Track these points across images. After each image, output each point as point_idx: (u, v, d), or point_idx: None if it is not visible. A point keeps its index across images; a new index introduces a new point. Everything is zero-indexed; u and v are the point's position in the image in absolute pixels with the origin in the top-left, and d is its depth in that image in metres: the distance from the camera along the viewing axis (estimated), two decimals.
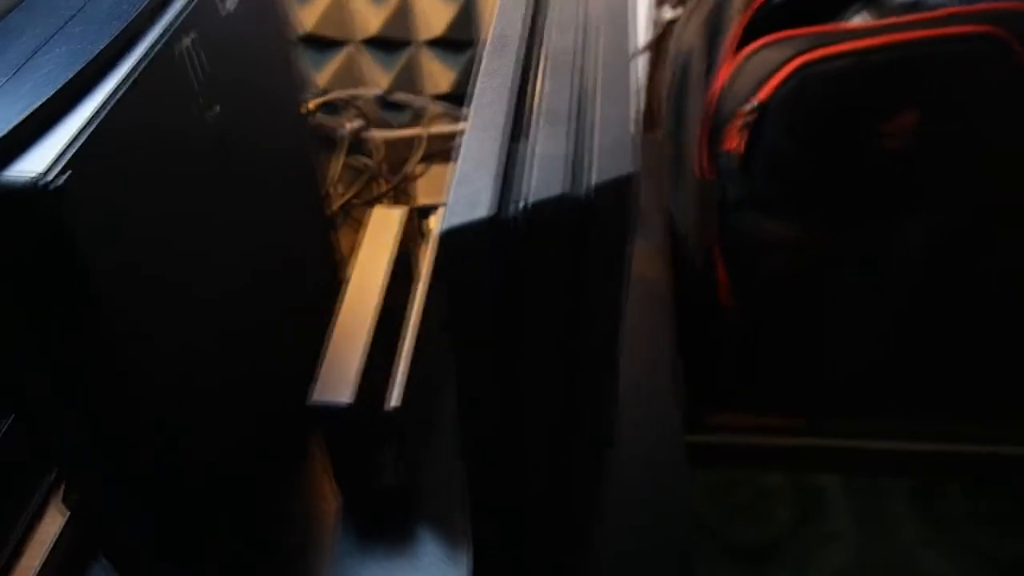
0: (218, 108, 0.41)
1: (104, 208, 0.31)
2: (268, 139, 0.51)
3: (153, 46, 0.35)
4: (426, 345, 0.57)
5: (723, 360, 0.89)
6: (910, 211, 0.73)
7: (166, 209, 0.36)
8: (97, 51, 0.33)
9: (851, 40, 0.65)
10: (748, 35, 0.72)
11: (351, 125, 0.89)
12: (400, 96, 0.94)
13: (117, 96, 0.32)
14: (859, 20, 0.72)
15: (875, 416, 1.02)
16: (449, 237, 0.28)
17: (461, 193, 0.28)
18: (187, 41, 0.38)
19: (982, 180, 0.71)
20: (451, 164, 0.30)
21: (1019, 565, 1.12)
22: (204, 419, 0.42)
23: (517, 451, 0.37)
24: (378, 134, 0.91)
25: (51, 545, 0.52)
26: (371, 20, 0.89)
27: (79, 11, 0.35)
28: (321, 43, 0.93)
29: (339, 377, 0.50)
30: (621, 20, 0.36)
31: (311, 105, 0.85)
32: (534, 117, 0.31)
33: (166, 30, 0.36)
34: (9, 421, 0.50)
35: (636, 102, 0.32)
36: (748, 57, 0.70)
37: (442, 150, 0.90)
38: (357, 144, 0.90)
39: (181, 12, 0.37)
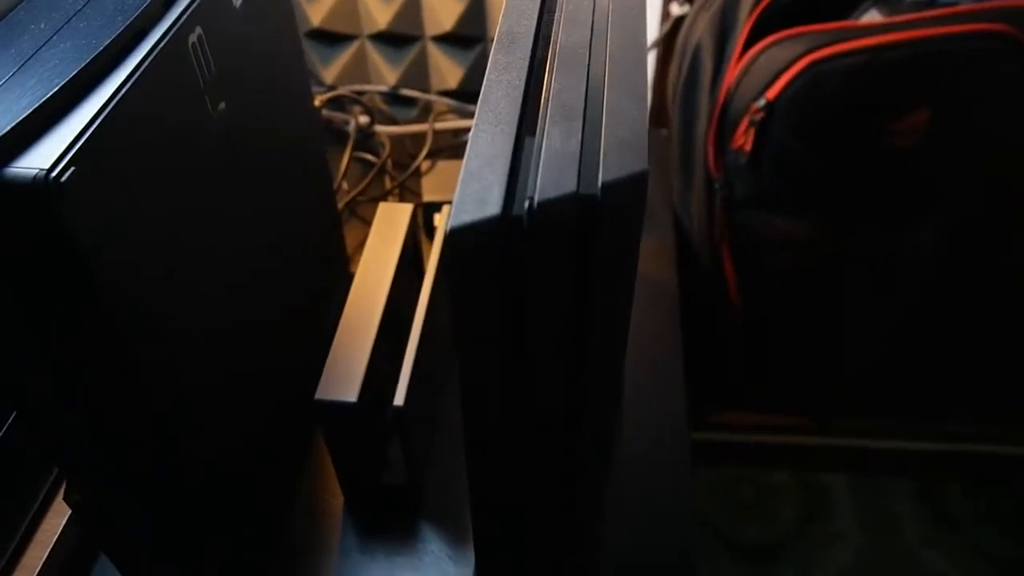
0: (225, 104, 0.41)
1: (109, 205, 0.31)
2: (277, 135, 0.51)
3: (160, 41, 0.34)
4: (431, 343, 0.57)
5: (731, 358, 0.89)
6: (921, 210, 0.72)
7: (171, 206, 0.36)
8: (103, 46, 0.32)
9: (862, 37, 0.65)
10: (757, 32, 0.71)
11: (358, 121, 0.88)
12: (408, 92, 0.94)
13: (123, 91, 0.31)
14: (869, 17, 0.71)
15: (884, 415, 1.02)
16: (457, 235, 0.27)
17: (469, 190, 0.28)
18: (194, 36, 0.37)
19: (995, 179, 0.70)
20: (459, 161, 0.30)
21: (1019, 565, 1.12)
22: (207, 418, 0.42)
23: (521, 450, 0.37)
24: (385, 130, 0.90)
25: (54, 543, 0.52)
26: (380, 15, 0.89)
27: (85, 5, 0.35)
28: (329, 38, 0.92)
29: (344, 375, 0.50)
30: (634, 15, 0.36)
31: (318, 101, 0.85)
32: (543, 114, 0.31)
33: (173, 25, 0.36)
34: (10, 420, 0.50)
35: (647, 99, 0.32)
36: (757, 55, 0.69)
37: (450, 146, 0.90)
38: (364, 140, 0.90)
39: (188, 6, 0.37)
